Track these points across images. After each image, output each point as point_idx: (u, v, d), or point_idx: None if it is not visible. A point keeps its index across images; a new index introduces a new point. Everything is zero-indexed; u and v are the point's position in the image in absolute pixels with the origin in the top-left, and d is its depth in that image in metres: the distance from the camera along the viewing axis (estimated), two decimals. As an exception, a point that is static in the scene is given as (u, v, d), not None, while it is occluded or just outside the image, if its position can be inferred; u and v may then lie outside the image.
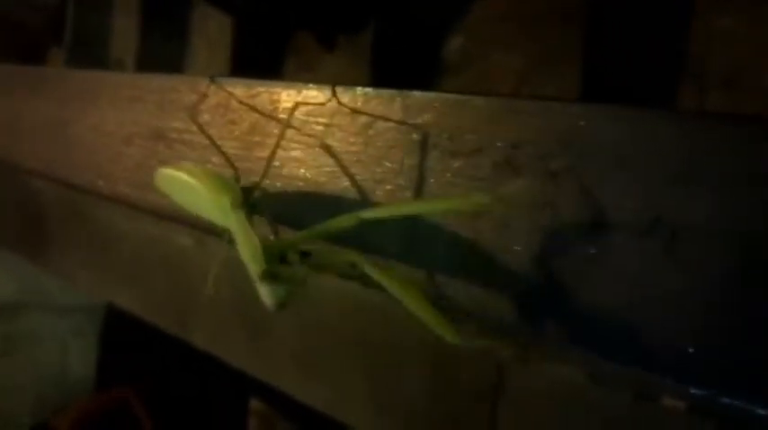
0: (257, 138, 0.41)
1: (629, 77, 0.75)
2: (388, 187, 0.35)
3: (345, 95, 0.38)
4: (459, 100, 0.33)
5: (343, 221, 0.31)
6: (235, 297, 0.52)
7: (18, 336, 1.29)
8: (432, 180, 0.34)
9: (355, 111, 0.37)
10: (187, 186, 0.37)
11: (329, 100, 0.38)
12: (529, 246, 0.30)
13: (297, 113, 0.39)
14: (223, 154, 0.38)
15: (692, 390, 0.27)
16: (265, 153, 0.40)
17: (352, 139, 0.37)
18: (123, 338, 1.25)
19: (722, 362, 0.26)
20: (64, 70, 0.68)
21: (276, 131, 0.41)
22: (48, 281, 1.26)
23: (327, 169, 0.37)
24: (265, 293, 0.29)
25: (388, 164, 0.35)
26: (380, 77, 0.82)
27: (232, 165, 0.38)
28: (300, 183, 0.39)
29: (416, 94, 0.35)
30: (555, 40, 0.81)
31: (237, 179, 0.38)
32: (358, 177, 0.37)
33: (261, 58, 0.87)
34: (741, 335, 0.25)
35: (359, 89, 0.37)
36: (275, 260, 0.30)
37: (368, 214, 0.30)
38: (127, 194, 0.51)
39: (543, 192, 0.30)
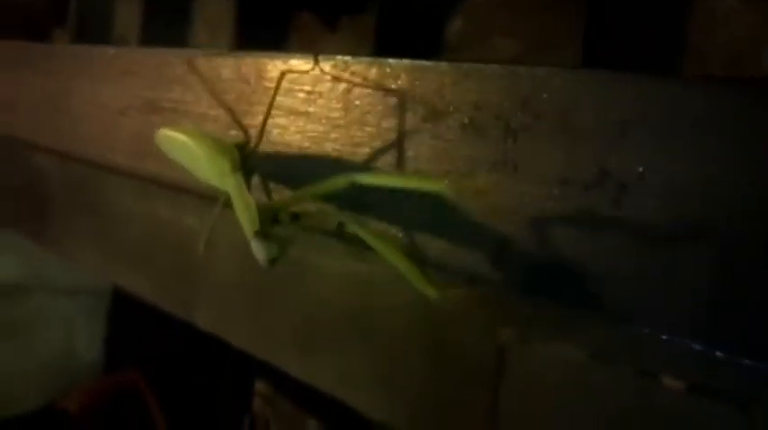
0: (245, 107, 0.43)
1: (628, 61, 0.74)
2: (367, 150, 0.38)
3: (327, 64, 0.40)
4: (428, 66, 0.35)
5: (336, 183, 0.32)
6: (238, 278, 0.52)
7: (24, 319, 1.30)
8: (406, 142, 0.36)
9: (336, 79, 0.39)
10: (187, 148, 0.38)
11: (312, 68, 0.40)
12: (493, 201, 0.33)
13: (283, 83, 0.41)
14: (233, 116, 0.39)
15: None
16: (254, 121, 0.42)
17: (333, 105, 0.39)
18: (130, 320, 1.26)
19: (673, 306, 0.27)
20: (58, 46, 0.69)
21: (265, 100, 0.42)
22: (53, 262, 1.27)
23: (310, 134, 0.38)
24: (258, 250, 0.31)
25: (367, 128, 0.37)
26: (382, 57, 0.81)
27: (243, 130, 0.39)
28: (286, 148, 0.41)
29: (391, 61, 0.37)
30: (553, 24, 0.80)
31: (246, 143, 0.39)
32: (339, 141, 0.39)
33: (263, 37, 0.87)
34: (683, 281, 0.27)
35: (339, 57, 0.39)
36: (268, 221, 0.32)
37: (360, 179, 0.31)
38: (123, 164, 0.53)
39: (504, 150, 0.32)
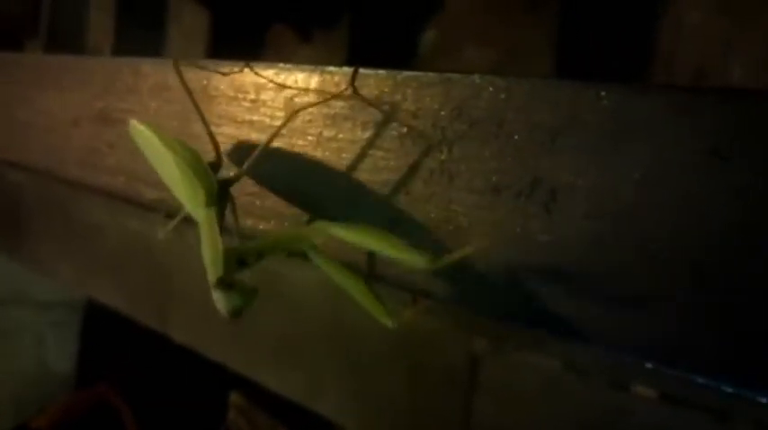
0: (191, 115, 0.43)
1: (599, 71, 0.75)
2: (307, 159, 0.37)
3: (269, 71, 0.39)
4: (367, 74, 0.35)
5: (309, 230, 0.32)
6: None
7: (-4, 332, 1.28)
8: (345, 153, 0.36)
9: (280, 86, 0.39)
10: (165, 158, 0.36)
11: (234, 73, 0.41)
12: (430, 212, 0.32)
13: (227, 91, 0.41)
14: (210, 133, 0.37)
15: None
16: (200, 130, 0.42)
17: (277, 113, 0.39)
18: (103, 333, 1.25)
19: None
20: (8, 54, 0.68)
21: (209, 108, 0.42)
22: (25, 275, 1.25)
23: (253, 144, 0.38)
24: (220, 300, 0.29)
25: (309, 137, 0.37)
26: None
27: (218, 153, 0.37)
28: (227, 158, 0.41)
29: (331, 68, 0.37)
30: (527, 33, 0.81)
31: (218, 165, 0.38)
32: (281, 149, 0.38)
33: (237, 49, 0.87)
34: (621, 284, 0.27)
35: (281, 65, 0.39)
36: (233, 265, 0.30)
37: (335, 230, 0.30)
38: (76, 176, 0.52)
39: (439, 160, 0.32)
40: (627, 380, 0.29)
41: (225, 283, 0.29)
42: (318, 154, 0.37)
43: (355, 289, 0.29)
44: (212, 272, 0.30)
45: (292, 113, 0.36)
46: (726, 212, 0.24)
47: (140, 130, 0.39)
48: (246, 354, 0.52)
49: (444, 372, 0.36)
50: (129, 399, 1.16)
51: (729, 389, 0.24)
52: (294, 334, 0.46)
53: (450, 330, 0.35)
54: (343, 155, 0.36)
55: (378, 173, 0.34)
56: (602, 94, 0.27)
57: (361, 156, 0.35)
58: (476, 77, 0.30)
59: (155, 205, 0.45)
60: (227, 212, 0.36)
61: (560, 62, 0.77)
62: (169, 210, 0.44)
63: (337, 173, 0.36)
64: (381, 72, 0.34)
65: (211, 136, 0.37)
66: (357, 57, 0.83)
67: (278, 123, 0.38)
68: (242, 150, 0.40)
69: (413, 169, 0.33)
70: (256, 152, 0.34)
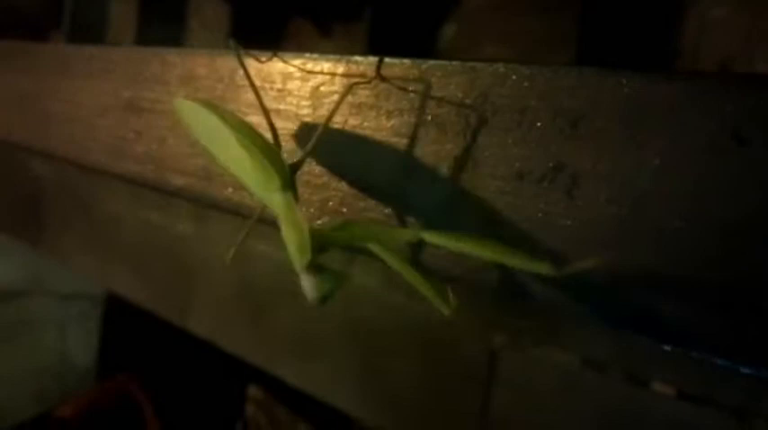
0: (219, 104, 0.43)
1: (622, 67, 0.75)
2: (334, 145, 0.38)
3: (296, 61, 0.40)
4: (391, 63, 0.35)
5: (401, 235, 0.31)
6: (234, 285, 0.52)
7: (17, 324, 1.29)
8: (370, 139, 0.36)
9: (307, 73, 0.39)
10: (227, 139, 0.34)
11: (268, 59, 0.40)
12: (455, 198, 0.33)
13: (255, 81, 0.41)
14: (269, 121, 0.36)
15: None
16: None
17: (302, 103, 0.39)
18: (124, 325, 1.26)
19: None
20: (34, 45, 0.68)
21: (236, 97, 0.43)
22: (48, 267, 1.26)
23: (282, 132, 0.38)
24: (309, 286, 0.27)
25: (335, 125, 0.37)
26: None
27: (277, 141, 0.36)
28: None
29: (357, 58, 0.37)
30: (547, 30, 0.81)
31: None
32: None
33: (258, 43, 0.87)
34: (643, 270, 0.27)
35: (307, 54, 0.39)
36: (316, 250, 0.29)
37: (429, 237, 0.29)
38: (102, 164, 0.53)
39: (463, 147, 0.32)
40: (645, 373, 0.29)
41: (315, 268, 0.28)
42: (344, 140, 0.37)
43: (416, 280, 0.29)
44: (298, 256, 0.28)
45: (348, 88, 0.36)
46: (745, 196, 0.25)
47: (193, 108, 0.36)
48: (265, 349, 0.52)
49: (463, 366, 0.36)
50: (149, 391, 1.17)
51: (747, 371, 0.25)
52: (312, 329, 0.47)
53: (469, 324, 0.35)
54: (367, 141, 0.36)
55: (402, 160, 0.34)
56: (624, 81, 0.27)
57: (386, 144, 0.35)
58: (500, 66, 0.31)
59: (181, 192, 0.45)
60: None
61: (580, 59, 0.77)
62: (194, 196, 0.44)
63: (361, 160, 0.36)
64: (406, 61, 0.34)
65: (271, 125, 0.36)
66: (377, 51, 0.83)
67: (304, 112, 0.39)
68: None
69: (437, 156, 0.33)
70: (316, 136, 0.33)
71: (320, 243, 0.29)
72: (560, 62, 0.79)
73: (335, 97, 0.37)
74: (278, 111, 0.40)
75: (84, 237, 0.70)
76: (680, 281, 0.26)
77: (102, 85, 0.53)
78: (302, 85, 0.39)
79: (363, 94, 0.36)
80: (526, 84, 0.30)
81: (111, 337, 1.30)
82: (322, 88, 0.38)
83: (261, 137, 0.34)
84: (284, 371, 0.51)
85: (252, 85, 0.36)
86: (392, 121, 0.35)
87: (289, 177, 0.32)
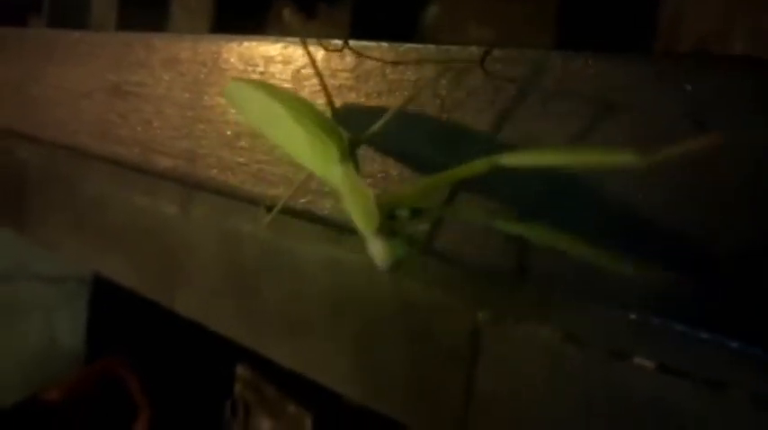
0: (202, 88, 0.44)
1: (600, 48, 0.75)
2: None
3: (277, 45, 0.41)
4: (369, 46, 0.36)
5: (472, 168, 0.27)
6: (220, 264, 0.53)
7: (4, 309, 1.29)
8: (352, 120, 0.36)
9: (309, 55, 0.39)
10: (279, 118, 0.33)
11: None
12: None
13: (237, 64, 0.42)
14: (330, 101, 0.36)
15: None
16: (211, 101, 0.43)
17: (285, 85, 0.40)
18: (112, 308, 1.25)
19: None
20: (18, 30, 0.68)
21: (220, 80, 0.44)
22: (33, 251, 1.26)
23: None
24: (380, 251, 0.27)
25: (318, 106, 0.38)
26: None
27: (334, 118, 0.35)
28: (235, 126, 0.42)
29: (336, 42, 0.38)
30: (529, 11, 0.81)
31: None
32: None
33: (241, 26, 0.87)
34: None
35: (289, 38, 0.40)
36: (385, 217, 0.28)
37: (504, 159, 0.26)
38: (88, 147, 0.53)
39: (441, 125, 0.33)
40: (626, 347, 0.29)
41: (387, 231, 0.27)
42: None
43: (570, 243, 0.26)
44: (366, 222, 0.27)
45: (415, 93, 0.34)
46: (700, 176, 0.26)
47: (244, 89, 0.36)
48: (252, 328, 0.53)
49: (447, 343, 0.36)
50: (137, 372, 1.17)
51: (734, 345, 0.26)
52: (298, 306, 0.47)
53: (453, 301, 0.35)
54: (350, 123, 0.37)
55: (381, 140, 0.35)
56: (589, 62, 0.28)
57: (365, 122, 0.35)
58: (473, 49, 0.32)
59: (167, 174, 0.46)
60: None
61: (561, 41, 0.77)
62: (180, 177, 0.45)
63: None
64: (384, 44, 0.35)
65: (333, 108, 0.36)
66: (360, 32, 0.83)
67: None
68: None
69: (414, 135, 0.34)
70: (386, 116, 0.32)
71: (388, 208, 0.28)
72: (543, 43, 0.79)
73: (316, 79, 0.38)
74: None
75: (70, 221, 0.70)
76: (657, 253, 0.27)
77: (88, 69, 0.53)
78: (284, 68, 0.40)
79: (343, 76, 0.37)
80: (498, 66, 0.31)
81: (98, 320, 1.30)
82: (303, 71, 0.39)
83: (317, 111, 0.33)
84: (272, 351, 0.51)
85: (318, 74, 0.36)
86: (371, 103, 0.36)
87: (347, 148, 0.31)
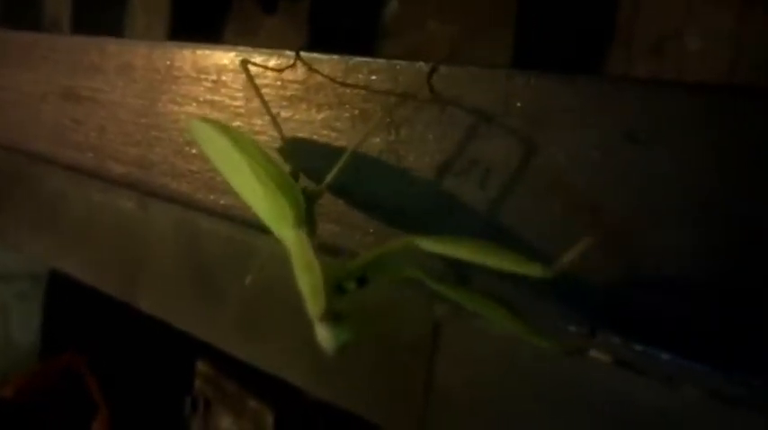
0: (155, 95, 0.44)
1: (559, 44, 0.76)
2: (265, 138, 0.39)
3: (230, 54, 0.41)
4: (319, 58, 0.37)
5: (396, 246, 0.27)
6: (181, 260, 0.52)
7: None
8: (300, 133, 0.38)
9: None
10: (239, 166, 0.32)
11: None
12: (382, 188, 0.35)
13: (190, 72, 0.43)
14: (277, 125, 0.36)
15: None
16: (165, 109, 0.43)
17: (237, 94, 0.41)
18: (67, 304, 1.24)
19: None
20: None
21: (173, 88, 0.44)
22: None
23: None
24: (326, 336, 0.25)
25: (266, 117, 0.39)
26: (320, 42, 0.82)
27: (281, 137, 0.36)
28: (187, 134, 0.43)
29: (287, 52, 0.38)
30: (490, 7, 0.82)
31: (296, 176, 0.35)
32: (240, 129, 0.40)
33: (200, 22, 0.86)
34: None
35: (240, 48, 0.41)
36: (332, 292, 0.26)
37: (424, 244, 0.26)
38: (45, 151, 0.53)
39: (389, 141, 0.34)
40: (584, 345, 0.30)
41: (333, 316, 0.25)
42: (275, 133, 0.38)
43: (497, 314, 0.27)
44: (314, 303, 0.26)
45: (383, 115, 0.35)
46: (639, 191, 0.27)
47: (204, 130, 0.35)
48: (214, 324, 0.53)
49: (408, 339, 0.37)
50: (95, 368, 1.16)
51: (667, 357, 0.27)
52: (261, 304, 0.47)
53: (413, 298, 0.36)
54: (299, 134, 0.38)
55: (331, 152, 0.36)
56: (531, 81, 0.29)
57: (315, 136, 0.37)
58: (421, 65, 0.33)
59: (123, 180, 0.46)
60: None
61: (520, 36, 0.78)
62: (134, 184, 0.45)
63: (291, 151, 0.38)
64: (334, 57, 0.36)
65: (279, 130, 0.36)
66: (317, 30, 0.83)
67: (237, 103, 0.40)
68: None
69: (363, 149, 0.35)
70: (341, 161, 0.31)
71: (335, 282, 0.27)
72: (503, 39, 0.80)
73: (266, 90, 0.38)
74: (212, 103, 0.41)
75: (28, 218, 0.69)
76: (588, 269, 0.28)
77: (43, 72, 0.53)
78: (235, 77, 0.40)
79: (294, 87, 0.38)
80: (445, 83, 0.32)
81: (54, 316, 1.28)
82: (255, 80, 0.39)
83: (276, 165, 0.32)
84: (234, 347, 0.51)
85: (259, 95, 0.37)
86: (322, 115, 0.36)
87: (303, 212, 0.30)
